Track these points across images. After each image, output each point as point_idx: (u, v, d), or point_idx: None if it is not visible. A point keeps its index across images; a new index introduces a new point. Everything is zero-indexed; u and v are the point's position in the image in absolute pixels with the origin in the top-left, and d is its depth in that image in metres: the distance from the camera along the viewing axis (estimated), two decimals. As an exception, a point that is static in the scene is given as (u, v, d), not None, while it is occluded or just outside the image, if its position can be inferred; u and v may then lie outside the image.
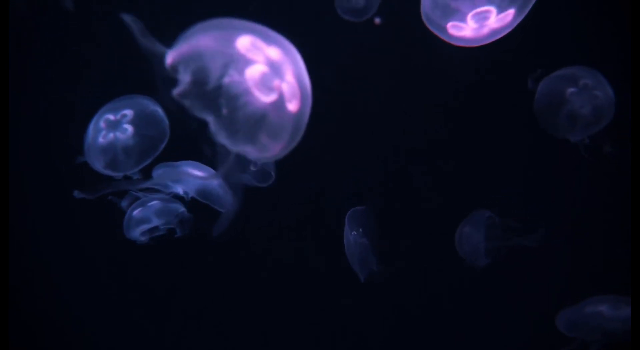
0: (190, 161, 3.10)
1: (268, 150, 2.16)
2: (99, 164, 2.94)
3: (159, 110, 2.96)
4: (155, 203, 3.20)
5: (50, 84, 4.12)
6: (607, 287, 3.62)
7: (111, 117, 2.97)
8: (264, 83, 2.06)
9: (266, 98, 2.08)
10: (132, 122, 2.94)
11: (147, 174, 3.01)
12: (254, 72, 2.06)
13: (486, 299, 4.22)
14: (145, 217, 3.22)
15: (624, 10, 3.77)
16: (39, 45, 4.07)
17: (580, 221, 4.14)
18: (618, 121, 3.55)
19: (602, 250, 4.11)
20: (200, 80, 2.03)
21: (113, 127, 2.98)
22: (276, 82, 2.09)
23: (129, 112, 2.96)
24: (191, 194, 3.13)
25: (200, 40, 2.05)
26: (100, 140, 2.96)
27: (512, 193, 4.22)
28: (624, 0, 3.80)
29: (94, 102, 4.08)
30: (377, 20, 4.05)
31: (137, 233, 3.22)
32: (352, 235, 3.85)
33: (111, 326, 4.30)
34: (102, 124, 2.98)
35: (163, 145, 2.95)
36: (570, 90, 3.55)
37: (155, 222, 3.22)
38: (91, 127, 2.99)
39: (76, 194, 2.89)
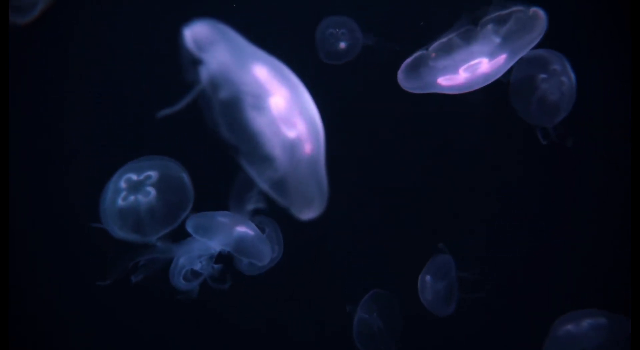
0: (223, 212, 2.94)
1: (295, 195, 2.15)
2: (115, 228, 2.72)
3: (185, 177, 2.77)
4: (196, 247, 3.01)
5: (50, 83, 3.98)
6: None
7: (134, 177, 2.76)
8: (288, 117, 2.04)
9: (289, 133, 2.06)
10: (156, 185, 2.74)
11: (165, 240, 2.85)
12: (278, 103, 2.04)
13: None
14: (187, 262, 3.03)
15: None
16: (39, 45, 3.83)
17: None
18: (578, 111, 3.60)
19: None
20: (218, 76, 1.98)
21: (135, 188, 2.77)
22: (295, 119, 2.06)
23: (153, 174, 2.75)
24: (228, 248, 2.97)
25: (220, 41, 2.02)
26: (120, 202, 2.74)
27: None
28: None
29: (94, 103, 3.97)
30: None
31: (181, 279, 3.06)
32: (357, 312, 3.80)
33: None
34: (122, 184, 2.75)
35: (185, 214, 2.76)
36: (541, 76, 3.55)
37: (197, 265, 3.04)
38: (110, 187, 2.76)
39: (100, 282, 2.72)
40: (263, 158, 2.07)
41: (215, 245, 2.91)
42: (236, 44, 2.05)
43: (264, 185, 2.14)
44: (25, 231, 3.93)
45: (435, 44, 2.99)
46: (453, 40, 2.95)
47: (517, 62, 3.50)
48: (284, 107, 2.05)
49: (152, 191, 2.73)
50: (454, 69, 3.03)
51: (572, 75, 3.53)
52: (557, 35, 3.28)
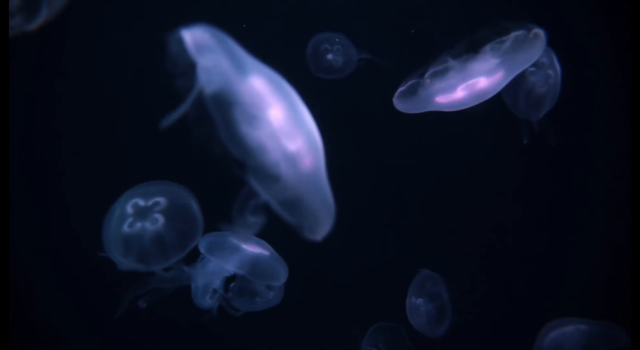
0: (238, 232, 2.78)
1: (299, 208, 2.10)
2: (118, 255, 2.55)
3: (194, 205, 2.60)
4: (211, 265, 2.86)
5: (49, 84, 3.91)
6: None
7: (141, 202, 2.58)
8: (288, 129, 2.01)
9: (291, 145, 2.02)
10: (164, 213, 2.56)
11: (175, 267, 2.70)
12: (277, 115, 1.99)
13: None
14: (209, 281, 2.89)
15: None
16: (39, 46, 3.69)
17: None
18: (562, 104, 3.62)
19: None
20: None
21: (142, 214, 2.59)
22: (295, 131, 2.03)
23: (161, 200, 2.58)
24: (242, 271, 2.82)
25: (218, 48, 1.96)
26: (125, 228, 2.57)
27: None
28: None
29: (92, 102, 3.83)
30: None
31: (206, 298, 2.91)
32: (363, 346, 3.71)
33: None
34: (129, 209, 2.58)
35: (193, 245, 2.60)
36: (530, 69, 3.55)
37: (217, 283, 2.90)
38: (115, 212, 2.58)
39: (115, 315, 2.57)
40: (268, 171, 2.02)
41: (230, 267, 2.78)
42: (235, 52, 2.00)
43: (274, 204, 2.08)
44: (25, 249, 3.81)
45: (431, 72, 2.94)
46: (449, 65, 2.87)
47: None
48: (283, 120, 2.01)
49: (160, 218, 2.57)
50: (451, 89, 3.00)
51: (559, 68, 3.51)
52: (545, 29, 3.24)
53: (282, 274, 2.87)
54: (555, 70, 3.52)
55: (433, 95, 3.00)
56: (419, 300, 3.80)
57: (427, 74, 2.97)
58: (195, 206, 2.64)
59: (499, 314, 4.24)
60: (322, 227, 2.13)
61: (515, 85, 3.56)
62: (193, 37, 1.90)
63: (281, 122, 1.99)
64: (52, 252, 3.97)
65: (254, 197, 2.13)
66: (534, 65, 3.49)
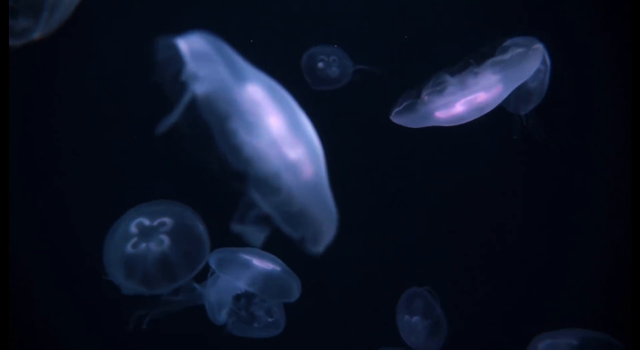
0: (250, 248, 2.73)
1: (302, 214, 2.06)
2: (120, 276, 2.49)
3: (200, 226, 2.55)
4: (222, 280, 2.80)
5: (50, 84, 3.89)
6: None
7: (146, 222, 2.53)
8: (288, 138, 1.97)
9: (291, 153, 1.99)
10: (170, 234, 2.51)
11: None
12: (277, 123, 1.96)
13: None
14: (221, 298, 2.84)
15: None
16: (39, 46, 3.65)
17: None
18: (550, 100, 3.61)
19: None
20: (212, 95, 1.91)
21: (147, 235, 2.54)
22: (295, 140, 1.99)
23: (168, 221, 2.52)
24: (253, 289, 2.77)
25: (216, 55, 1.93)
26: (129, 249, 2.51)
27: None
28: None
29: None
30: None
31: (223, 315, 2.87)
32: None
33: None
34: (133, 229, 2.52)
35: (199, 268, 2.55)
36: None
37: (229, 299, 2.85)
38: (119, 231, 2.53)
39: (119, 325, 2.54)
40: (269, 182, 1.99)
41: (241, 284, 2.73)
42: (232, 60, 1.97)
43: (276, 218, 2.05)
44: (25, 249, 3.79)
45: (429, 90, 2.90)
46: (448, 82, 2.85)
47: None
48: (283, 128, 1.97)
49: (166, 240, 2.52)
50: (451, 105, 2.98)
51: (549, 63, 3.50)
52: (536, 23, 3.22)
53: (295, 290, 2.81)
54: (545, 65, 3.50)
55: (432, 111, 2.98)
56: (415, 319, 3.77)
57: (425, 92, 2.95)
58: (201, 227, 2.58)
59: (499, 314, 4.23)
60: (325, 237, 2.10)
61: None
62: (190, 44, 1.87)
63: (281, 130, 1.96)
64: (52, 252, 3.94)
65: (254, 207, 2.10)
66: None
